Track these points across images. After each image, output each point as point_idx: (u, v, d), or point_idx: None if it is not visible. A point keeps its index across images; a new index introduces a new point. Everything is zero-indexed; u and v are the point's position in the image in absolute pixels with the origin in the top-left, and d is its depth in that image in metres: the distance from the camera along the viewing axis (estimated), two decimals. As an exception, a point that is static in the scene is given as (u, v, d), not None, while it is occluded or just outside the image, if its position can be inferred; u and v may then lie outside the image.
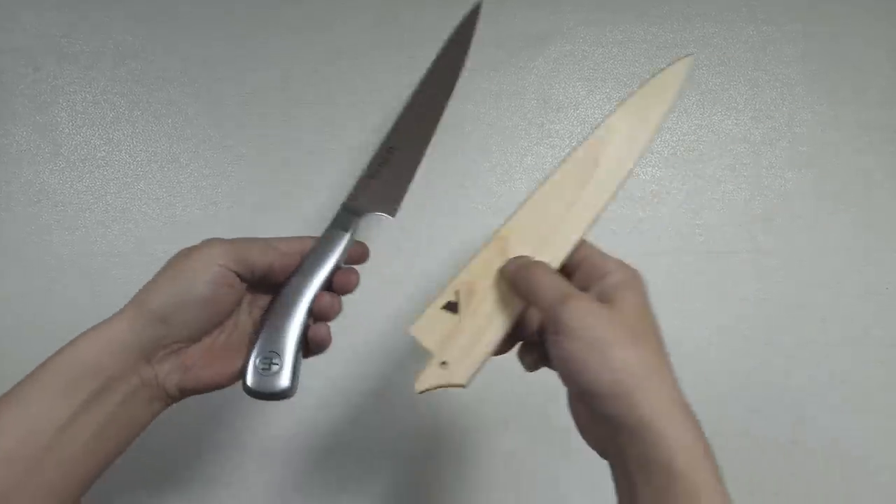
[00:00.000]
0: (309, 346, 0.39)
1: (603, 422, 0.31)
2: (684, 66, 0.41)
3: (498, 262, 0.38)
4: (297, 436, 0.58)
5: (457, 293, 0.38)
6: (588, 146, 0.40)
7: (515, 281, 0.36)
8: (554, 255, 0.37)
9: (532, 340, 0.39)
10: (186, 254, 0.37)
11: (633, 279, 0.34)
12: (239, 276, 0.37)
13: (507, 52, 0.63)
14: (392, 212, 0.43)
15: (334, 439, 0.58)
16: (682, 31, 0.64)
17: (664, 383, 0.32)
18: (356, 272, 0.41)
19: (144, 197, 0.61)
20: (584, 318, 0.31)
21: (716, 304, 0.60)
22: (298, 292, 0.39)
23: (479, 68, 0.63)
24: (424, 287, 0.59)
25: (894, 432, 0.59)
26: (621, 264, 0.35)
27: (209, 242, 0.38)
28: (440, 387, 0.36)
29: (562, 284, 0.33)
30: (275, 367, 0.37)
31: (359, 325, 0.58)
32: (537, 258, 0.37)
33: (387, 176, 0.43)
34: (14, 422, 0.32)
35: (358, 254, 0.43)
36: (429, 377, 0.36)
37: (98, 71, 0.62)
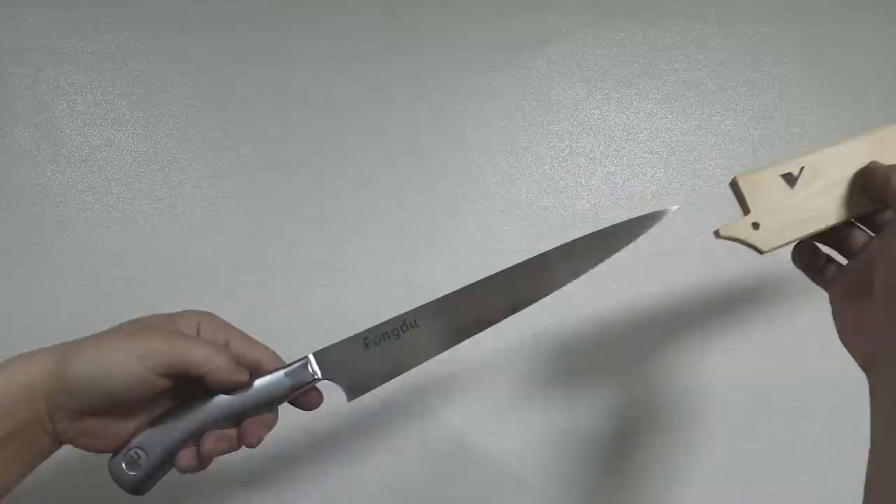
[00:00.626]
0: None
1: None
2: None
3: (860, 159, 0.37)
4: (296, 433, 0.58)
5: (801, 169, 0.38)
6: None
7: (885, 181, 0.36)
8: None
9: (839, 249, 0.41)
10: (133, 331, 0.36)
11: None
12: (170, 376, 0.35)
13: (507, 52, 0.63)
14: (350, 396, 0.40)
15: (333, 439, 0.58)
16: (681, 32, 0.64)
17: None
18: (267, 427, 0.38)
19: (145, 197, 0.61)
20: None
21: (716, 305, 0.60)
22: (195, 421, 0.37)
23: (479, 69, 0.63)
24: (424, 287, 0.59)
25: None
26: None
27: (152, 334, 0.36)
28: (741, 242, 0.38)
29: None
30: (137, 468, 0.36)
31: (359, 325, 0.58)
32: None
33: (381, 353, 0.40)
34: None
35: (308, 402, 0.40)
36: (736, 229, 0.37)
37: (99, 72, 0.62)
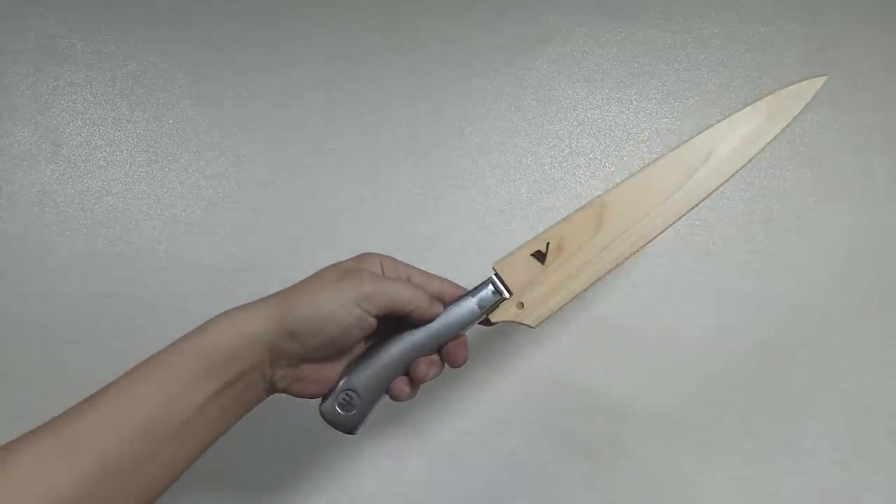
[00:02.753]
0: (388, 392, 0.41)
1: None
2: (817, 84, 0.42)
3: (593, 226, 0.41)
4: (295, 432, 0.58)
5: (547, 244, 0.41)
6: (706, 138, 0.42)
7: None
8: (644, 234, 0.41)
9: None
10: (340, 276, 0.38)
11: None
12: (378, 317, 0.38)
13: (507, 52, 0.63)
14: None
15: (333, 439, 0.58)
16: (682, 32, 0.64)
17: None
18: (465, 347, 0.42)
19: (145, 197, 0.61)
20: None
21: (716, 304, 0.60)
22: (404, 353, 0.40)
23: (478, 69, 0.63)
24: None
25: (895, 432, 0.59)
26: None
27: (360, 278, 0.38)
28: (512, 322, 0.41)
29: None
30: (351, 408, 0.39)
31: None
32: (629, 232, 0.40)
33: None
34: (155, 396, 0.34)
35: (454, 354, 0.42)
36: (505, 313, 0.41)
37: (99, 72, 0.62)
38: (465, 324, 0.40)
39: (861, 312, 0.60)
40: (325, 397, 0.39)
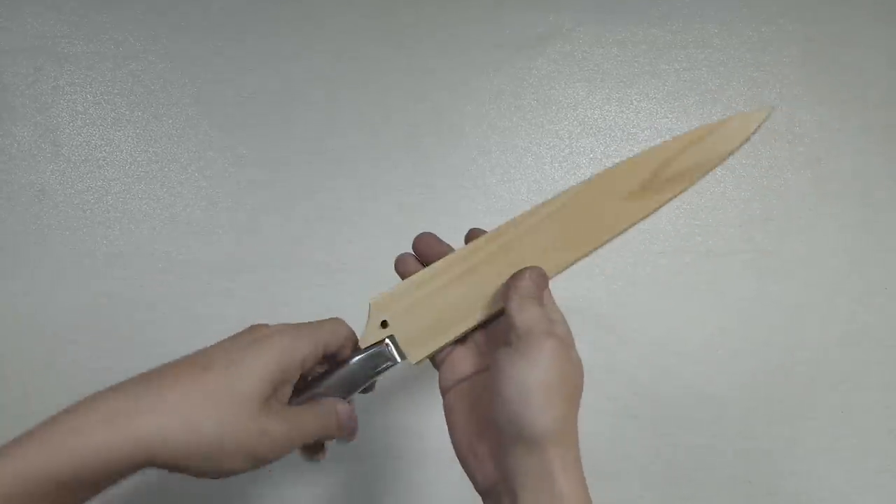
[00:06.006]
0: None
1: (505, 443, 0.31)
2: (760, 116, 0.39)
3: (498, 257, 0.37)
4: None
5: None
6: (639, 161, 0.40)
7: (521, 288, 0.34)
8: (549, 270, 0.37)
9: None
10: (250, 345, 0.32)
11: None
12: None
13: (507, 52, 0.63)
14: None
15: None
16: (682, 32, 0.64)
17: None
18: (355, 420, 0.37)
19: (145, 197, 0.61)
20: (552, 360, 0.31)
21: (715, 305, 0.60)
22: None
23: (478, 68, 0.63)
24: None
25: (895, 432, 0.59)
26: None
27: (272, 338, 0.33)
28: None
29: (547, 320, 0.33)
30: None
31: (358, 325, 0.58)
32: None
33: None
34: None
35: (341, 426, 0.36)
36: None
37: (99, 72, 0.62)
38: (354, 386, 0.37)
39: (861, 312, 0.60)
40: None
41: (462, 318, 0.37)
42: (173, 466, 0.28)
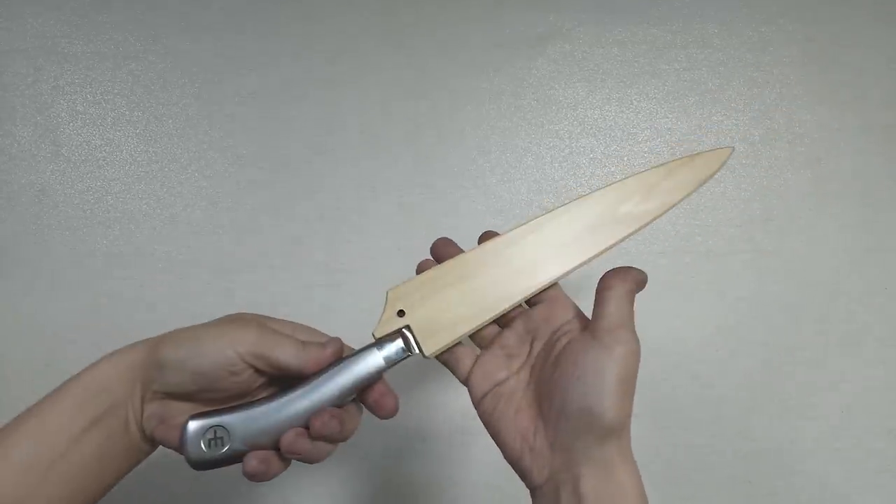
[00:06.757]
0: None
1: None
2: (722, 156, 0.40)
3: (509, 258, 0.39)
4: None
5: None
6: (604, 195, 0.40)
7: (624, 283, 0.36)
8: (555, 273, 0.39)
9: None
10: (230, 319, 0.37)
11: None
12: (256, 368, 0.36)
13: (507, 52, 0.63)
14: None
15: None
16: (682, 32, 0.64)
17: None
18: (391, 396, 0.37)
19: (145, 197, 0.61)
20: (631, 357, 0.34)
21: (715, 304, 0.60)
22: (294, 401, 0.35)
23: (478, 68, 0.63)
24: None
25: (895, 432, 0.59)
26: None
27: (247, 324, 0.36)
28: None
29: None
30: (217, 447, 0.35)
31: (359, 325, 0.58)
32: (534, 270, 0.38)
33: None
34: (32, 431, 0.34)
35: (379, 403, 0.37)
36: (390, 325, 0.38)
37: (99, 72, 0.62)
38: (368, 379, 0.36)
39: (861, 312, 0.60)
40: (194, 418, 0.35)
41: (476, 314, 0.38)
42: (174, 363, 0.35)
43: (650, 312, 0.60)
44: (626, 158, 0.63)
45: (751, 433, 0.59)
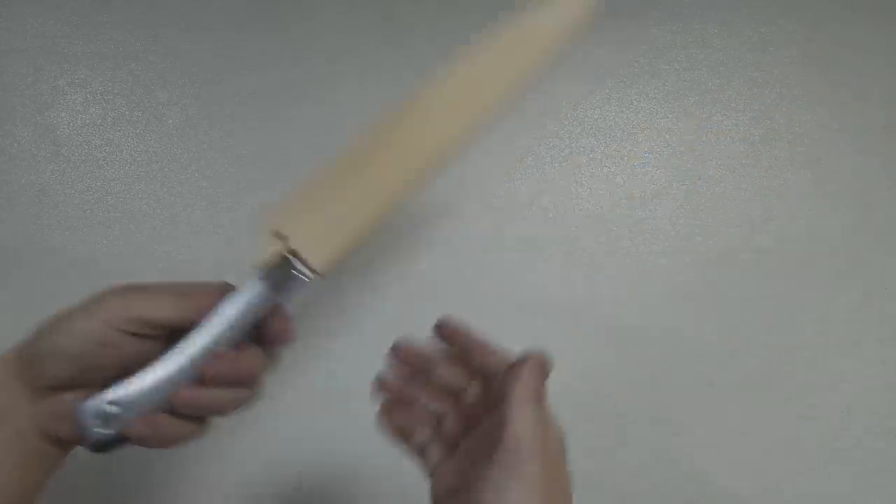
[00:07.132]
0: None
1: None
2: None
3: (393, 142, 0.35)
4: (297, 433, 0.58)
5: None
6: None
7: (519, 385, 0.33)
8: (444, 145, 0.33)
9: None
10: (92, 297, 0.35)
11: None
12: (138, 334, 0.34)
13: (507, 52, 0.63)
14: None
15: (333, 438, 0.58)
16: (682, 32, 0.64)
17: None
18: (287, 320, 0.35)
19: (145, 197, 0.61)
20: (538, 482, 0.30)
21: (715, 305, 0.60)
22: (181, 353, 0.34)
23: (479, 68, 0.63)
24: (424, 287, 0.59)
25: (895, 432, 0.59)
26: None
27: (112, 291, 0.34)
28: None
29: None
30: (112, 424, 0.33)
31: (359, 325, 0.58)
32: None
33: None
34: None
35: (276, 329, 0.36)
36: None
37: (98, 72, 0.62)
38: (256, 313, 0.34)
39: (861, 312, 0.60)
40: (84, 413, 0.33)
41: (367, 212, 0.34)
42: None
43: (650, 312, 0.60)
44: (625, 158, 0.63)
45: (751, 433, 0.59)
